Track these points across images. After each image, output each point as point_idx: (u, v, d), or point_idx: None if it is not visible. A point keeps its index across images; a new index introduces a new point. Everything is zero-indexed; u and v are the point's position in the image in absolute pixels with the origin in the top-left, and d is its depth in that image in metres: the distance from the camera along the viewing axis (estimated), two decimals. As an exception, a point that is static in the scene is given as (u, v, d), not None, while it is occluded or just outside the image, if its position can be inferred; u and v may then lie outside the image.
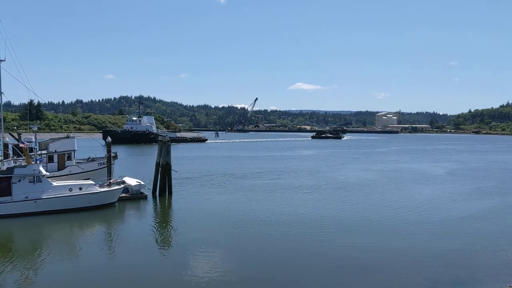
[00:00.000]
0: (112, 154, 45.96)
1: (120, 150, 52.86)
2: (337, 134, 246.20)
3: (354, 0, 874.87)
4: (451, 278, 21.23)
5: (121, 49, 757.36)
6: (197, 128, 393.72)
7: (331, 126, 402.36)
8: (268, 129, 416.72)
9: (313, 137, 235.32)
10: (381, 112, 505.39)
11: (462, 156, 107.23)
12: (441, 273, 21.79)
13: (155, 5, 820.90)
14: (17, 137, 42.54)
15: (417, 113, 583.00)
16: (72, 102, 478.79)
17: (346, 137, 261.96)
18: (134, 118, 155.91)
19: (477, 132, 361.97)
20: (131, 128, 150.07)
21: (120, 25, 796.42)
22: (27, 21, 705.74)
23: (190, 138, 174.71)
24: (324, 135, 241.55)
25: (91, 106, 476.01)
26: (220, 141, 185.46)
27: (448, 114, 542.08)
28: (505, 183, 56.07)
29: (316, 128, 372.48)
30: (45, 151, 43.44)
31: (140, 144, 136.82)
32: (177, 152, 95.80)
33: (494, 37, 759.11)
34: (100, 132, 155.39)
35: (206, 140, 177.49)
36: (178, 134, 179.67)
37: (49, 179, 34.77)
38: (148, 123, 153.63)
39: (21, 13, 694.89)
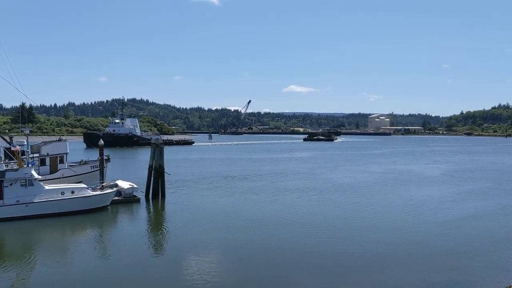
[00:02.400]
0: (105, 157, 45.71)
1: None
2: (329, 136, 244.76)
3: (347, 4, 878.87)
4: (446, 279, 21.27)
5: (114, 51, 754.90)
6: (190, 131, 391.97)
7: (324, 128, 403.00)
8: (261, 131, 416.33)
9: (305, 139, 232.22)
10: (373, 114, 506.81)
11: (459, 158, 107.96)
12: (435, 274, 21.83)
13: (148, 8, 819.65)
14: (8, 140, 42.07)
15: (410, 115, 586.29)
16: (64, 105, 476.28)
17: (340, 139, 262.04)
18: (117, 121, 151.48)
19: (469, 134, 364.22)
20: (113, 130, 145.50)
21: (113, 27, 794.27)
22: (18, 24, 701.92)
23: (175, 141, 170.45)
24: (316, 137, 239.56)
25: (84, 109, 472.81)
26: (212, 143, 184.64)
27: (441, 116, 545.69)
28: (501, 184, 56.65)
29: (309, 130, 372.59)
30: (37, 154, 43.12)
31: (123, 147, 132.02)
32: (168, 155, 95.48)
33: (486, 39, 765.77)
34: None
35: (193, 143, 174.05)
36: (164, 137, 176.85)
37: (41, 183, 34.49)
38: (131, 125, 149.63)
39: (11, 16, 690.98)
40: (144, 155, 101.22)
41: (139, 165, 77.42)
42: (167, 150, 50.68)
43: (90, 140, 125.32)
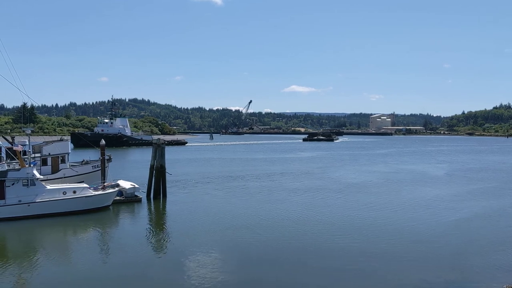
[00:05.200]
0: (106, 157, 45.74)
1: (89, 154, 51.89)
2: (329, 137, 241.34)
3: (348, 3, 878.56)
4: (446, 279, 21.24)
5: (116, 51, 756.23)
6: (192, 131, 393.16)
7: (325, 128, 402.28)
8: (262, 131, 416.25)
9: (304, 140, 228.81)
10: (375, 114, 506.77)
11: (465, 157, 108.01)
12: (436, 274, 21.80)
13: (150, 8, 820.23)
14: (10, 140, 42.21)
15: (411, 114, 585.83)
16: (65, 105, 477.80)
17: (342, 139, 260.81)
18: (106, 120, 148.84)
19: (470, 134, 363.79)
20: (102, 130, 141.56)
21: (114, 28, 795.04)
22: (20, 24, 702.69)
23: (167, 141, 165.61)
24: (316, 138, 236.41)
25: (85, 109, 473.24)
26: (213, 143, 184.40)
27: (442, 116, 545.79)
28: (507, 183, 56.73)
29: (311, 130, 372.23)
30: (38, 154, 43.13)
31: (112, 148, 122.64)
32: (167, 154, 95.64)
33: (486, 39, 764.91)
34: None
35: (186, 143, 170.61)
36: (155, 137, 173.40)
37: (43, 182, 34.53)
38: (121, 125, 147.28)
39: (13, 17, 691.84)
40: (135, 155, 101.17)
41: (135, 165, 77.51)
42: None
43: (77, 140, 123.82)
